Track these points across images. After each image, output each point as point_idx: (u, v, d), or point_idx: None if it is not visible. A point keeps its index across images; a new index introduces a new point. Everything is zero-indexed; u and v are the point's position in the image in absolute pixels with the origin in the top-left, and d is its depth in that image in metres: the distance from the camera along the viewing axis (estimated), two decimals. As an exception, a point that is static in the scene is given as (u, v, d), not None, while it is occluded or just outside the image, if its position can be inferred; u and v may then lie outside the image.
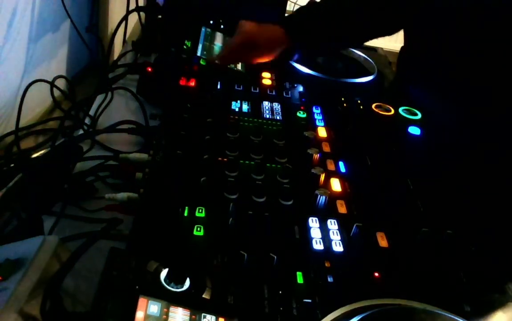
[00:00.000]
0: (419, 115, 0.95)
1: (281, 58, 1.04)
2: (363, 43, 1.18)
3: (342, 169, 0.77)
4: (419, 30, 1.06)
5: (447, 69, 0.99)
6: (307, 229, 0.64)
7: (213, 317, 0.48)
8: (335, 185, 0.73)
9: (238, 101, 0.91)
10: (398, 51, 1.18)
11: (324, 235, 0.64)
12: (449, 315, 0.53)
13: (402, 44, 1.15)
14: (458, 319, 0.52)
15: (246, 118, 0.86)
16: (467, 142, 0.90)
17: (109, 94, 1.02)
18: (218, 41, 1.12)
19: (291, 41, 1.02)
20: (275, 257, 0.57)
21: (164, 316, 0.46)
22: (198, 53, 1.03)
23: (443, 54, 0.99)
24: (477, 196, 0.75)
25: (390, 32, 1.14)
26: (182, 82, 0.94)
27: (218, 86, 0.95)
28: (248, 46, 1.01)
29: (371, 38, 1.15)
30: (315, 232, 0.64)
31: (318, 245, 0.62)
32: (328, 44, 1.10)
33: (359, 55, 1.20)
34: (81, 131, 0.91)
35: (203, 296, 0.50)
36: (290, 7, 1.47)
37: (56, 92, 0.98)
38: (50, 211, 0.71)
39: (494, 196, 0.76)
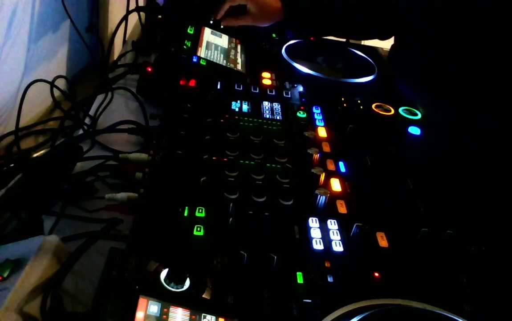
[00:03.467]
0: (419, 115, 0.95)
1: (271, 30, 1.15)
2: (356, 40, 1.24)
3: (342, 169, 0.77)
4: (407, 29, 1.08)
5: (433, 68, 1.00)
6: (307, 229, 0.64)
7: (213, 317, 0.48)
8: (335, 185, 0.73)
9: (238, 101, 0.91)
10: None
11: (324, 235, 0.64)
12: (449, 315, 0.53)
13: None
14: (458, 319, 0.52)
15: (246, 118, 0.86)
16: (467, 142, 0.90)
17: (109, 94, 1.02)
18: (219, 42, 1.12)
19: (285, 15, 1.11)
20: (275, 257, 0.57)
21: (164, 316, 0.46)
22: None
23: (429, 53, 1.00)
24: (477, 195, 0.75)
25: (382, 36, 1.17)
26: (182, 82, 0.93)
27: (218, 86, 0.95)
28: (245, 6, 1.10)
29: (363, 38, 1.18)
30: (315, 232, 0.64)
31: (318, 245, 0.62)
32: (319, 31, 1.19)
33: (359, 55, 1.20)
34: (81, 131, 0.91)
35: (203, 296, 0.50)
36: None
37: (56, 92, 0.99)
38: (50, 211, 0.71)
39: (494, 196, 0.76)
